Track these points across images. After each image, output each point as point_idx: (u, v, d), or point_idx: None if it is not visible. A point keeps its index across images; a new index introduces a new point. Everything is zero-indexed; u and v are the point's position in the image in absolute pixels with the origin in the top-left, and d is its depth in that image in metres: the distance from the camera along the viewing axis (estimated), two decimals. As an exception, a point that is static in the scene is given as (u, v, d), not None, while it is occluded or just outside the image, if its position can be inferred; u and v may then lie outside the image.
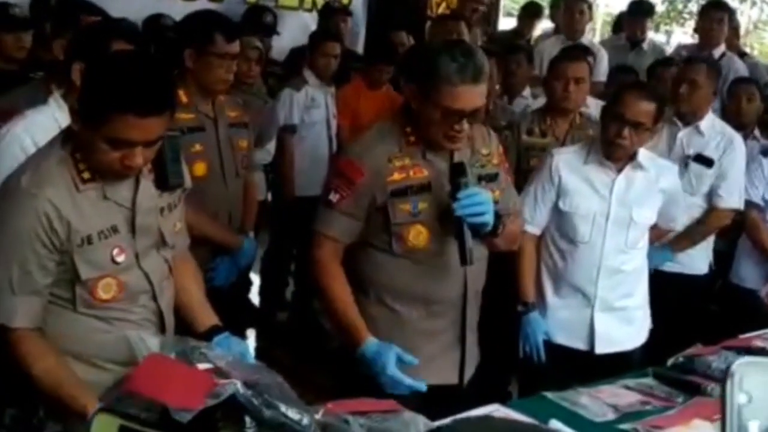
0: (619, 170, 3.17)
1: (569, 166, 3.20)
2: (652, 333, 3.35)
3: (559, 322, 3.22)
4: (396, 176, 2.52)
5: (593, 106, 4.35)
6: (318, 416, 1.91)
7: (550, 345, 3.21)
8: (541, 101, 4.32)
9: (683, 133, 3.90)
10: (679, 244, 3.85)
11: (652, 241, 3.43)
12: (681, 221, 3.54)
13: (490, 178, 2.66)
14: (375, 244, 2.58)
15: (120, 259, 2.11)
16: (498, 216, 2.53)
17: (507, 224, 2.60)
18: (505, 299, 3.28)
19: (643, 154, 3.20)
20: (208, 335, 2.24)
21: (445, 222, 2.50)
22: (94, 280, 2.09)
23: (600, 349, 3.20)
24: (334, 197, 2.54)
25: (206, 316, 2.34)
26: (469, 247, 2.46)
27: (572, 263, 3.20)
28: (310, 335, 4.79)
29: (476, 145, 2.65)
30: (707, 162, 3.86)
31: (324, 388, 2.90)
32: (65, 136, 2.10)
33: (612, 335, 3.21)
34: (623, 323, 3.24)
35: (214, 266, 3.27)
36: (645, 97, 3.11)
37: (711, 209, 3.90)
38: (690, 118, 3.89)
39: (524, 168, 3.85)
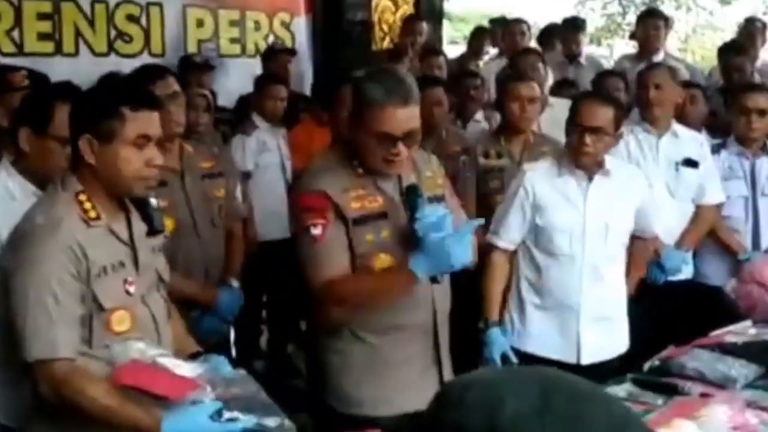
0: (590, 179, 3.18)
1: (543, 181, 3.20)
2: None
3: (544, 337, 3.20)
4: (354, 204, 2.51)
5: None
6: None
7: (533, 359, 3.16)
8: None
9: (664, 141, 3.93)
10: (685, 243, 3.91)
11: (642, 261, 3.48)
12: (666, 226, 3.60)
13: (438, 200, 2.66)
14: None
15: (132, 289, 2.18)
16: None
17: None
18: (474, 318, 3.26)
19: (610, 160, 3.23)
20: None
21: (407, 248, 2.47)
22: (110, 312, 2.14)
23: (586, 360, 3.18)
24: (315, 232, 2.48)
25: (189, 345, 2.43)
26: None
27: (555, 276, 3.18)
28: (288, 379, 4.75)
29: (420, 167, 2.67)
30: (694, 164, 3.91)
31: (306, 428, 2.88)
32: (62, 183, 2.18)
33: (598, 345, 3.19)
34: (607, 333, 3.23)
35: (195, 321, 3.13)
36: (600, 103, 3.18)
37: (701, 208, 3.94)
38: (665, 124, 3.94)
39: (485, 191, 3.88)
